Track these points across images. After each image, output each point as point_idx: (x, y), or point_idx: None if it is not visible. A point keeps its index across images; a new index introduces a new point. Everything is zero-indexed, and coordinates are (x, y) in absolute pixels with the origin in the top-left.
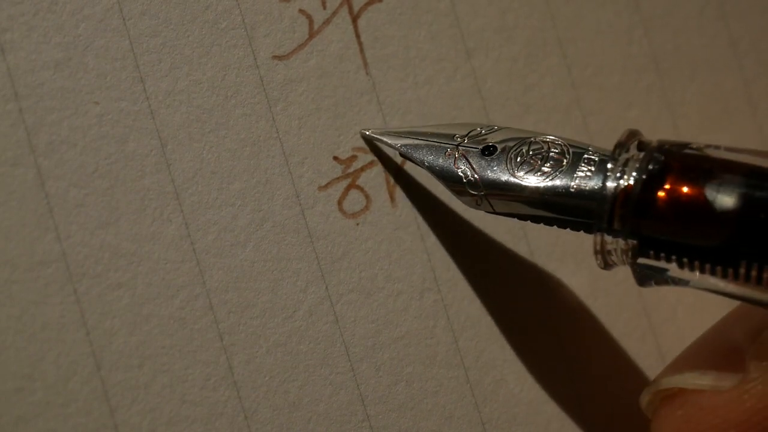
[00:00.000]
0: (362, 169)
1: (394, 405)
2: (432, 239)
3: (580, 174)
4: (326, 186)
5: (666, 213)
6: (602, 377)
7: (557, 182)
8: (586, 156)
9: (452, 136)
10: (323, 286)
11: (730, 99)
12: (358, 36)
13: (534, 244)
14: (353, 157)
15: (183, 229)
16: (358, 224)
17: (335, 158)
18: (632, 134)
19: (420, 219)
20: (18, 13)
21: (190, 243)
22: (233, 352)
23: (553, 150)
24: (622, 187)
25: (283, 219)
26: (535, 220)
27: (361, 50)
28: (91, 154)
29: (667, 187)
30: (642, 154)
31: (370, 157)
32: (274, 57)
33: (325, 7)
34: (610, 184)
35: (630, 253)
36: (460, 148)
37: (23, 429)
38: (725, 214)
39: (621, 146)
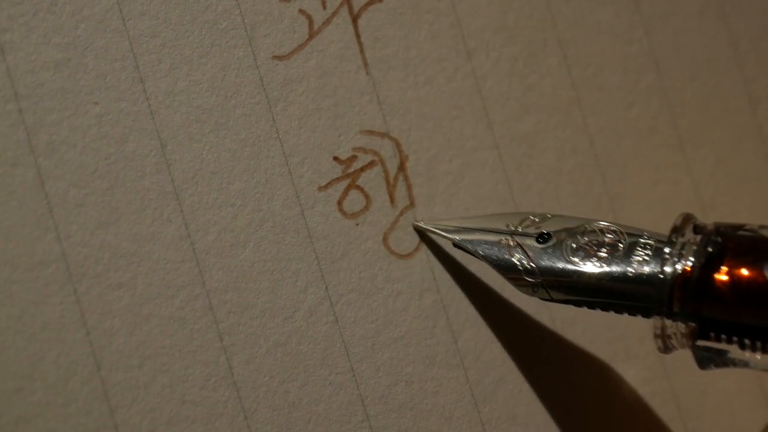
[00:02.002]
0: (362, 169)
1: (394, 405)
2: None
3: (637, 259)
4: (326, 186)
5: (725, 295)
6: (602, 377)
7: (614, 268)
8: (641, 240)
9: (506, 225)
10: (323, 286)
11: (730, 99)
12: (358, 36)
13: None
14: (353, 158)
15: (183, 229)
16: (357, 224)
17: (335, 158)
18: (687, 218)
19: (419, 219)
20: (18, 14)
21: (190, 243)
22: (233, 352)
23: (608, 236)
24: (680, 271)
25: (283, 219)
26: (592, 306)
27: (362, 50)
28: (91, 154)
29: (725, 269)
30: (698, 237)
31: (370, 157)
32: (274, 57)
33: (325, 7)
34: (668, 269)
35: (690, 337)
36: (514, 237)
37: (23, 429)
38: None
39: (677, 230)
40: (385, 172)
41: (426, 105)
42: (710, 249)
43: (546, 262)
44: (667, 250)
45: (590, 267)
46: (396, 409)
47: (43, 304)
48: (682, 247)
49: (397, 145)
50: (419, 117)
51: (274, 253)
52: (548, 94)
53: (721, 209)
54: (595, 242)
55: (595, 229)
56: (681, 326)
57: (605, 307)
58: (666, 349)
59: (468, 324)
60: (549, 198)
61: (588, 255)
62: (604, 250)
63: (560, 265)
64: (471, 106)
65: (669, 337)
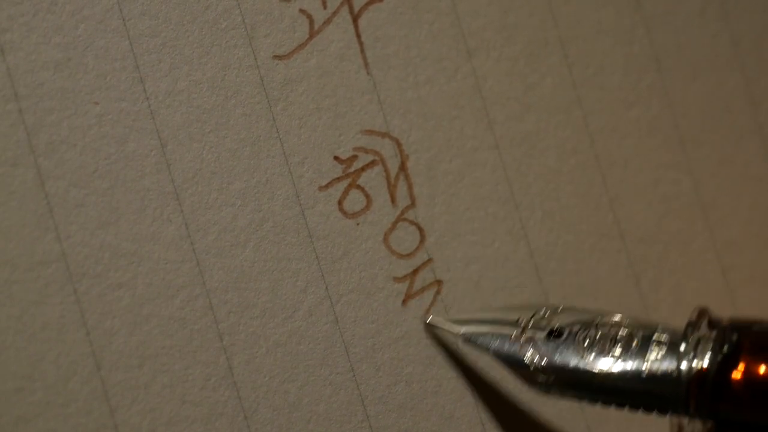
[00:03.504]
0: (363, 168)
1: (394, 405)
2: (432, 239)
3: (652, 356)
4: (326, 186)
5: (743, 394)
6: None
7: (629, 366)
8: (655, 337)
9: (516, 320)
10: (323, 286)
11: (731, 98)
12: (358, 36)
13: (533, 244)
14: (354, 157)
15: (183, 229)
16: (358, 224)
17: (336, 158)
18: (702, 313)
19: (420, 220)
20: (18, 14)
21: (190, 243)
22: (233, 353)
23: (620, 331)
24: (696, 369)
25: (283, 219)
26: (607, 404)
27: (362, 50)
28: (91, 154)
29: (742, 367)
30: (713, 333)
31: (371, 156)
32: (275, 57)
33: (325, 7)
34: (684, 367)
35: None
36: (525, 332)
37: (23, 429)
38: None
39: (692, 326)
40: (386, 171)
41: (426, 104)
42: (726, 346)
43: (558, 361)
44: (682, 347)
45: (603, 365)
46: (396, 409)
47: (43, 304)
48: (697, 344)
49: (398, 144)
50: (420, 116)
51: (274, 253)
52: (549, 93)
53: (722, 209)
54: (608, 337)
55: (608, 323)
56: (698, 425)
57: (620, 405)
58: None
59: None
60: (549, 198)
61: (601, 351)
62: (618, 346)
63: (573, 363)
64: (471, 105)
65: None
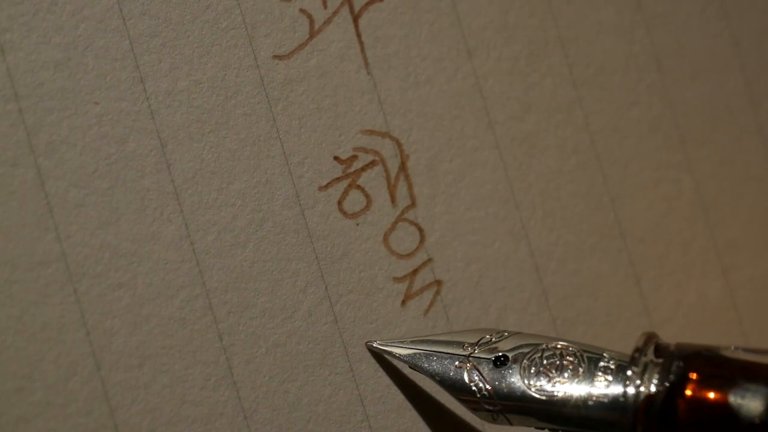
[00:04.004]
0: (363, 169)
1: (394, 405)
2: (432, 239)
3: (598, 383)
4: (326, 186)
5: (690, 422)
6: None
7: (575, 392)
8: (602, 363)
9: (461, 345)
10: (323, 286)
11: (732, 98)
12: (359, 35)
13: (534, 244)
14: (354, 157)
15: (183, 229)
16: (358, 224)
17: (336, 158)
18: (649, 338)
19: (420, 220)
20: (18, 14)
21: (190, 243)
22: (233, 353)
23: (567, 357)
24: (644, 395)
25: (283, 219)
26: (554, 429)
27: (362, 50)
28: (91, 154)
29: (689, 393)
30: (661, 359)
31: (371, 156)
32: (275, 57)
33: (325, 7)
34: (631, 392)
35: None
36: (471, 358)
37: (23, 429)
38: (751, 424)
39: (639, 351)
40: (386, 171)
41: (427, 104)
42: (674, 372)
43: (504, 389)
44: (629, 373)
45: (549, 393)
46: (396, 409)
47: (43, 304)
48: (645, 370)
49: (398, 144)
50: (420, 116)
51: (274, 253)
52: (549, 93)
53: (723, 209)
54: (554, 364)
55: (554, 348)
56: None
57: (568, 431)
58: None
59: (468, 324)
60: (550, 198)
61: (548, 379)
62: (565, 373)
63: (519, 391)
64: (472, 105)
65: None
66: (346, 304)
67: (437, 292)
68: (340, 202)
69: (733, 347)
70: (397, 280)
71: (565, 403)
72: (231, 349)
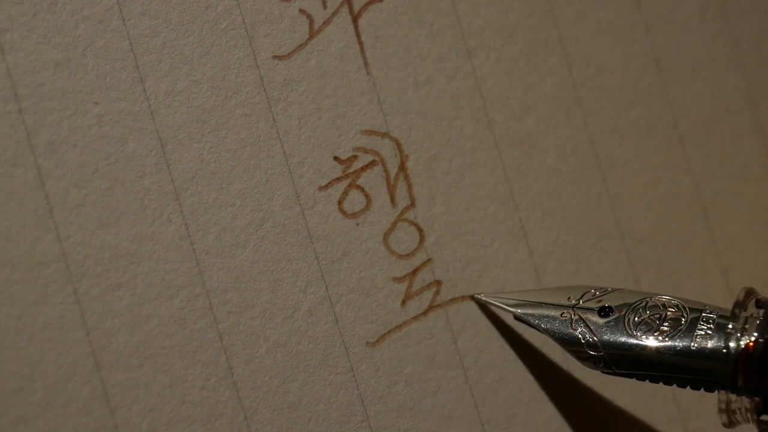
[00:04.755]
0: (362, 169)
1: (394, 405)
2: (432, 239)
3: (700, 333)
4: (326, 186)
5: None
6: (602, 377)
7: (677, 342)
8: (704, 315)
9: (566, 299)
10: (323, 286)
11: (731, 98)
12: (358, 36)
13: (533, 244)
14: (354, 157)
15: (183, 229)
16: (358, 224)
17: (335, 158)
18: (749, 293)
19: (420, 220)
20: (18, 14)
21: (190, 243)
22: (233, 353)
23: (670, 309)
24: (744, 346)
25: (283, 219)
26: (654, 379)
27: (362, 50)
28: (91, 154)
29: None
30: (761, 312)
31: (371, 157)
32: (275, 57)
33: (325, 7)
34: (732, 344)
35: (755, 411)
36: (576, 310)
37: (23, 429)
38: None
39: (739, 305)
40: (386, 171)
41: (426, 105)
42: None
43: (609, 337)
44: (730, 325)
45: (653, 341)
46: (396, 409)
47: (43, 304)
48: (745, 322)
49: (398, 144)
50: (420, 117)
51: (274, 253)
52: (549, 93)
53: (723, 209)
54: (657, 316)
55: (657, 303)
56: (746, 401)
57: (668, 381)
58: (731, 423)
59: (468, 324)
60: (549, 198)
61: (650, 329)
62: (667, 324)
63: (623, 339)
64: (471, 105)
65: (733, 411)
66: (347, 303)
67: (437, 292)
68: (340, 202)
69: None
70: (397, 280)
71: (668, 351)
72: (231, 349)
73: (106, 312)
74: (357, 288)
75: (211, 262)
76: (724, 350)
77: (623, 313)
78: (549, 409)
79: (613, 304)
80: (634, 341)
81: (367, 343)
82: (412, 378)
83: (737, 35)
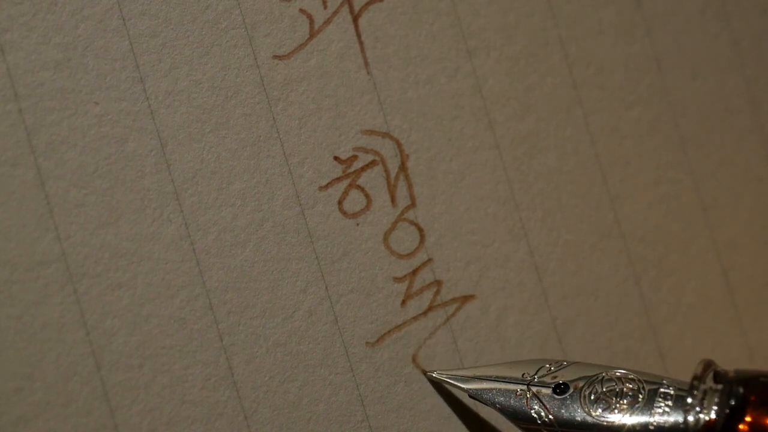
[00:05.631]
0: (363, 168)
1: (393, 405)
2: (432, 239)
3: (658, 410)
4: (326, 186)
5: None
6: None
7: (636, 420)
8: (662, 390)
9: (521, 375)
10: (323, 286)
11: (731, 98)
12: (359, 35)
13: (534, 244)
14: (354, 157)
15: (183, 229)
16: (358, 224)
17: (336, 158)
18: (708, 365)
19: (420, 220)
20: (18, 14)
21: (190, 243)
22: (233, 352)
23: (627, 385)
24: (704, 422)
25: (283, 219)
26: None
27: (362, 50)
28: (91, 154)
29: (749, 420)
30: (720, 386)
31: (371, 156)
32: (275, 57)
33: (325, 7)
34: (691, 420)
35: None
36: (531, 387)
37: (23, 429)
38: None
39: (698, 379)
40: (386, 171)
41: (427, 104)
42: (733, 399)
43: (565, 415)
44: (689, 400)
45: (611, 419)
46: (396, 409)
47: (43, 304)
48: (704, 397)
49: (398, 144)
50: (420, 116)
51: (274, 253)
52: (549, 93)
53: (723, 209)
54: (614, 392)
55: (613, 377)
56: None
57: None
58: None
59: (468, 324)
60: (550, 198)
61: (608, 406)
62: (625, 400)
63: (579, 418)
64: (472, 105)
65: None
66: (347, 303)
67: (437, 292)
68: (340, 202)
69: None
70: (397, 280)
71: (626, 429)
72: (231, 348)
73: (106, 312)
74: (357, 288)
75: (211, 262)
76: (683, 427)
77: (579, 389)
78: None
79: (569, 379)
80: (591, 419)
81: (367, 343)
82: (411, 378)
83: (737, 35)
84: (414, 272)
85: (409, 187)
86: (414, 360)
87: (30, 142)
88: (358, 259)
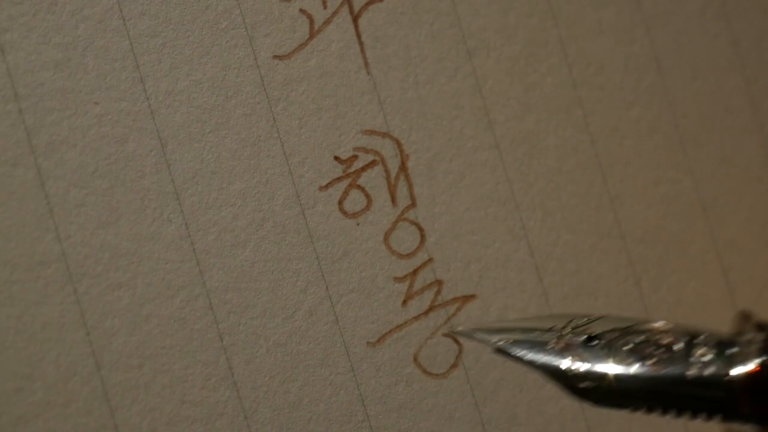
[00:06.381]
0: (363, 168)
1: (394, 405)
2: (432, 239)
3: (697, 360)
4: (327, 186)
5: None
6: None
7: (673, 371)
8: (699, 339)
9: (551, 328)
10: (323, 286)
11: (731, 98)
12: (359, 36)
13: (534, 244)
14: (354, 157)
15: (183, 229)
16: (358, 224)
17: (336, 158)
18: (747, 315)
19: (420, 220)
20: (18, 14)
21: (190, 243)
22: (233, 352)
23: (662, 335)
24: (746, 372)
25: (284, 219)
26: (650, 409)
27: (362, 50)
28: (91, 154)
29: None
30: (761, 335)
31: (371, 156)
32: (275, 57)
33: (325, 7)
34: (733, 370)
35: None
36: (561, 339)
37: (23, 429)
38: None
39: (738, 328)
40: (386, 171)
41: (427, 104)
42: None
43: (597, 367)
44: (731, 349)
45: (646, 370)
46: (396, 409)
47: (43, 304)
48: (746, 347)
49: (398, 144)
50: (420, 116)
51: (274, 253)
52: (549, 93)
53: (723, 209)
54: (648, 343)
55: (648, 329)
56: (748, 429)
57: (665, 411)
58: None
59: (468, 324)
60: (550, 198)
61: (642, 357)
62: (660, 351)
63: (614, 369)
64: (471, 105)
65: None
66: (347, 303)
67: (438, 292)
68: (340, 202)
69: None
70: (397, 279)
71: (662, 380)
72: (231, 348)
73: (106, 312)
74: (358, 288)
75: (211, 262)
76: (725, 377)
77: (611, 341)
78: (549, 409)
79: (600, 331)
80: (625, 371)
81: (368, 343)
82: (413, 378)
83: (737, 35)
84: (415, 272)
85: (410, 187)
86: (415, 360)
87: (30, 142)
88: (358, 259)
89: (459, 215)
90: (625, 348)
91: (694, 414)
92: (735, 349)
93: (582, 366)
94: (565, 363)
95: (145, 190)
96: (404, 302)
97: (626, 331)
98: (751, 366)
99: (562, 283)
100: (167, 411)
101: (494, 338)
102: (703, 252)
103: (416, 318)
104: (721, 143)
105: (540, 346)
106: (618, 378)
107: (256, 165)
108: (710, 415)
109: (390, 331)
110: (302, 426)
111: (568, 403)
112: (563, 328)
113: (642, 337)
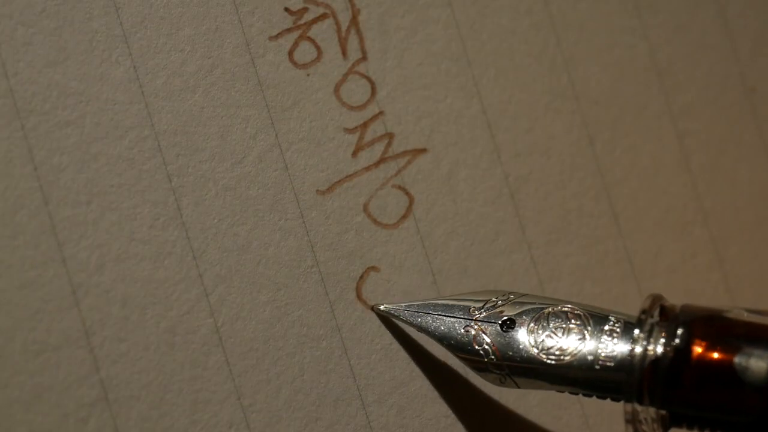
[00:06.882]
0: (313, 21)
1: (344, 252)
2: (383, 92)
3: (604, 345)
4: (277, 36)
5: (695, 384)
6: None
7: (581, 355)
8: (607, 326)
9: (468, 309)
10: (273, 133)
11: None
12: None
13: (486, 101)
14: (304, 9)
15: (132, 71)
16: (308, 75)
17: (286, 9)
18: (655, 300)
19: (371, 73)
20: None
21: (139, 86)
22: (182, 194)
23: (573, 319)
24: (650, 357)
25: (233, 66)
26: (561, 390)
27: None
28: None
29: (694, 356)
30: (666, 321)
31: (322, 9)
32: None
33: None
34: (637, 355)
35: (662, 423)
36: (477, 322)
37: None
38: (756, 387)
39: (645, 313)
40: (337, 24)
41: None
42: (680, 334)
43: (511, 353)
44: (635, 334)
45: (557, 354)
46: (346, 256)
47: None
48: (651, 331)
49: None
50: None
51: (223, 99)
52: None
53: (678, 75)
54: (560, 327)
55: (560, 312)
56: (652, 411)
57: (574, 392)
58: None
59: (419, 177)
60: (503, 57)
61: (554, 341)
62: (572, 335)
63: (525, 353)
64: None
65: (640, 422)
66: (297, 151)
67: (389, 144)
68: (290, 53)
69: (737, 309)
70: (348, 131)
71: (572, 364)
72: (180, 190)
73: (54, 149)
74: (307, 137)
75: (160, 105)
76: (629, 362)
77: (525, 325)
78: (501, 263)
79: (514, 315)
80: (537, 355)
81: (318, 190)
82: (362, 227)
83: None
84: (365, 124)
85: (361, 40)
86: (365, 209)
87: None
88: (308, 108)
89: (410, 70)
90: (538, 330)
91: (602, 396)
92: (641, 333)
93: (496, 351)
94: (481, 348)
95: (93, 32)
96: (354, 153)
97: (539, 315)
98: (655, 351)
99: (514, 140)
100: (116, 248)
101: (414, 318)
102: (658, 116)
103: (366, 169)
104: (676, 11)
105: (458, 329)
106: (530, 360)
107: (206, 12)
108: (616, 398)
109: (340, 180)
110: (251, 268)
111: (520, 257)
112: (480, 309)
113: (554, 321)
